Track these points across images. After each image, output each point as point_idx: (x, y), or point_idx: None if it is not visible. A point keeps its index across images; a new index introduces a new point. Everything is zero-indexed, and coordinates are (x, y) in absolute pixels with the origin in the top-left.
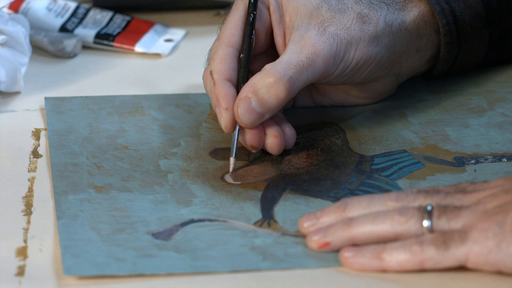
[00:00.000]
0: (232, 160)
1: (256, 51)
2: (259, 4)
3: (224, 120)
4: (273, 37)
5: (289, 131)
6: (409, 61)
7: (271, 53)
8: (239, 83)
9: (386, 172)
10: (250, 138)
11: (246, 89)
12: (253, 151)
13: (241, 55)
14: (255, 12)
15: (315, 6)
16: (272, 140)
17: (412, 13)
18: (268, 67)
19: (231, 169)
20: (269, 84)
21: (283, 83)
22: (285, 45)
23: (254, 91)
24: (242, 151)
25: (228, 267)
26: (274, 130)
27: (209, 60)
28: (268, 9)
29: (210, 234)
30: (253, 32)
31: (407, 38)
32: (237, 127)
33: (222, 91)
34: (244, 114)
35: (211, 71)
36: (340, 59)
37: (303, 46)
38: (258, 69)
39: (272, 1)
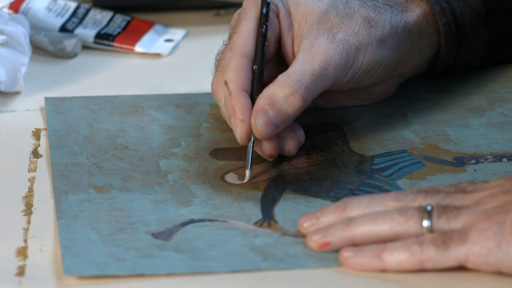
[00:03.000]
0: (248, 172)
1: (265, 59)
2: (269, 13)
3: (240, 131)
4: (281, 45)
5: (299, 130)
6: (412, 61)
7: (276, 60)
8: (253, 94)
9: (386, 172)
10: (268, 148)
11: (262, 101)
12: (270, 159)
13: (254, 66)
14: (267, 23)
15: (323, 11)
16: (290, 142)
17: (415, 14)
18: (282, 78)
19: (246, 180)
20: (285, 95)
21: (299, 94)
22: (293, 53)
23: (271, 103)
24: (243, 151)
25: (228, 267)
26: (288, 132)
27: (219, 68)
28: (278, 16)
29: (210, 234)
30: (266, 43)
31: (411, 39)
32: (252, 138)
33: (239, 102)
34: (263, 126)
35: (226, 81)
36: (350, 65)
37: (314, 55)
38: (265, 77)
39: (281, 9)
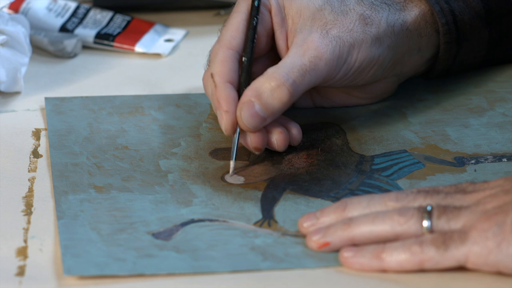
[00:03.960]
0: (232, 163)
1: (256, 54)
2: (261, 7)
3: (224, 122)
4: (274, 40)
5: (295, 127)
6: (411, 61)
7: (271, 56)
8: (241, 86)
9: (386, 172)
10: (253, 140)
11: (249, 92)
12: (256, 153)
13: (243, 58)
14: (258, 16)
15: (317, 8)
16: (278, 136)
17: (413, 13)
18: (270, 70)
19: (231, 172)
20: (272, 88)
21: (286, 87)
22: (287, 48)
23: (257, 95)
24: (243, 151)
25: (228, 267)
26: (277, 126)
27: (209, 62)
28: (270, 12)
29: (210, 234)
30: (256, 35)
31: (409, 38)
32: (238, 130)
33: (224, 94)
34: (248, 118)
35: (212, 74)
36: (343, 61)
37: (306, 50)
38: (259, 72)
39: (274, 4)
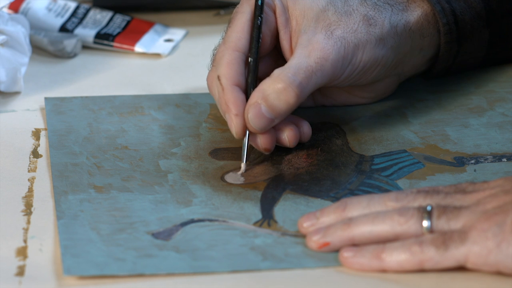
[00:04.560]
0: (243, 166)
1: (260, 53)
2: (265, 7)
3: (235, 126)
4: (278, 40)
5: (305, 124)
6: (412, 60)
7: (275, 56)
8: (248, 88)
9: (386, 172)
10: (263, 141)
11: (255, 94)
12: (266, 153)
13: (249, 59)
14: (262, 16)
15: (321, 9)
16: (289, 133)
17: (416, 13)
18: (277, 72)
19: (240, 173)
20: (278, 89)
21: (292, 89)
22: (291, 48)
23: (264, 97)
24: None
25: (228, 267)
26: (287, 124)
27: (214, 63)
28: (274, 12)
29: (210, 234)
30: (260, 35)
31: (411, 39)
32: (247, 132)
33: (232, 97)
34: (254, 119)
35: (218, 76)
36: (348, 62)
37: (311, 51)
38: (262, 71)
39: (278, 4)
